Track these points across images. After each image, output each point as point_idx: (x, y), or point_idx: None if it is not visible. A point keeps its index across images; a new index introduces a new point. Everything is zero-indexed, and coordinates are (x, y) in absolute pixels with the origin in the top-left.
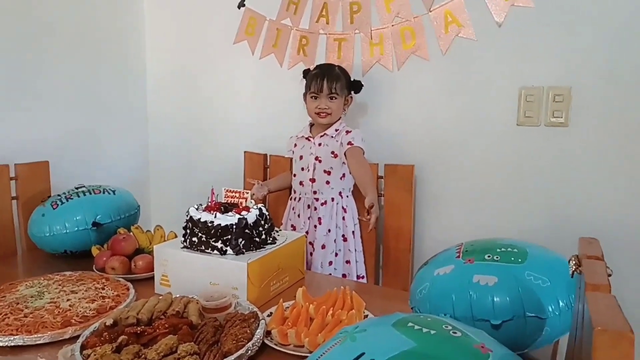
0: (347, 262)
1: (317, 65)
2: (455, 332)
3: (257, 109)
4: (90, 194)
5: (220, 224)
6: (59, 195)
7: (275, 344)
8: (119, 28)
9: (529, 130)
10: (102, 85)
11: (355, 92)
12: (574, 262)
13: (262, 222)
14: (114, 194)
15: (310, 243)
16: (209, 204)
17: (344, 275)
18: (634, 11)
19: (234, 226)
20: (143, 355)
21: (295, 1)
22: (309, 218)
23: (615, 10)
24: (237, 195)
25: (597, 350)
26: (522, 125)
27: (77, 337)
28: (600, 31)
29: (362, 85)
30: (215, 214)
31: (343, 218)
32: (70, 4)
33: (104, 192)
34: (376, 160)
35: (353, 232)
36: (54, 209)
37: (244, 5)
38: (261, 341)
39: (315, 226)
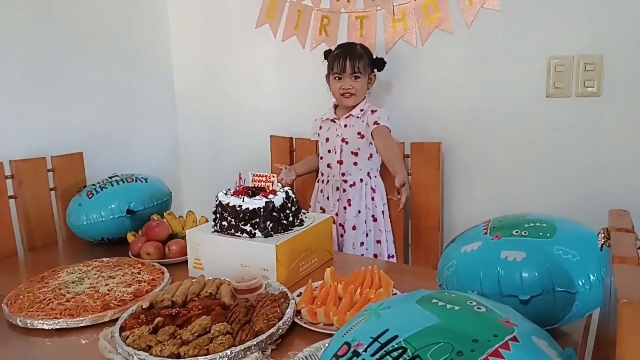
0: (378, 242)
1: (338, 45)
2: (479, 308)
3: (281, 93)
4: (124, 182)
5: (248, 208)
6: (93, 184)
7: (305, 323)
8: (143, 21)
9: (559, 101)
10: (132, 79)
11: (379, 70)
12: (602, 235)
13: (289, 205)
14: (146, 182)
15: (341, 225)
16: (237, 188)
17: (374, 256)
18: None
19: (262, 209)
20: (178, 336)
21: None
22: (338, 200)
23: None
24: (264, 179)
25: (622, 323)
26: (552, 96)
27: (116, 319)
28: None
29: (385, 63)
30: (243, 198)
31: (372, 198)
32: (97, 2)
33: (136, 181)
34: (403, 139)
35: (383, 212)
36: (89, 198)
37: None
38: (291, 320)
39: (345, 208)
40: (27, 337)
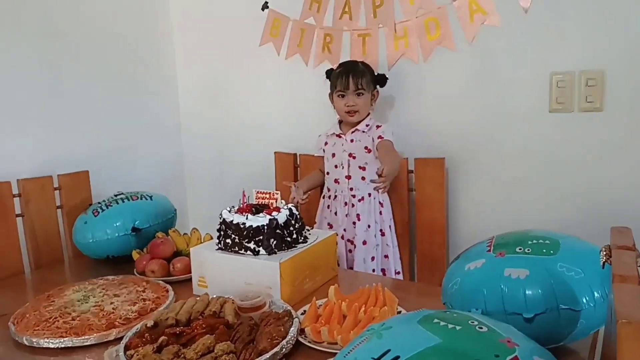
0: (385, 256)
1: (340, 64)
2: (481, 327)
3: (285, 110)
4: (129, 200)
5: (252, 225)
6: (99, 203)
7: (309, 342)
8: (148, 38)
9: (561, 117)
10: (137, 96)
11: (381, 86)
12: (604, 252)
13: (293, 222)
14: (151, 199)
15: (350, 240)
16: (241, 205)
17: (382, 271)
18: None
19: (265, 227)
20: (182, 355)
21: (318, 0)
22: (346, 215)
23: None
24: (268, 196)
25: (621, 342)
26: (555, 112)
27: (121, 338)
28: (632, 9)
29: (387, 78)
30: (247, 215)
31: (380, 213)
32: (104, 19)
33: (141, 198)
34: (406, 154)
35: (390, 226)
36: (95, 216)
37: (267, 7)
38: (295, 339)
39: (354, 223)
40: (33, 356)
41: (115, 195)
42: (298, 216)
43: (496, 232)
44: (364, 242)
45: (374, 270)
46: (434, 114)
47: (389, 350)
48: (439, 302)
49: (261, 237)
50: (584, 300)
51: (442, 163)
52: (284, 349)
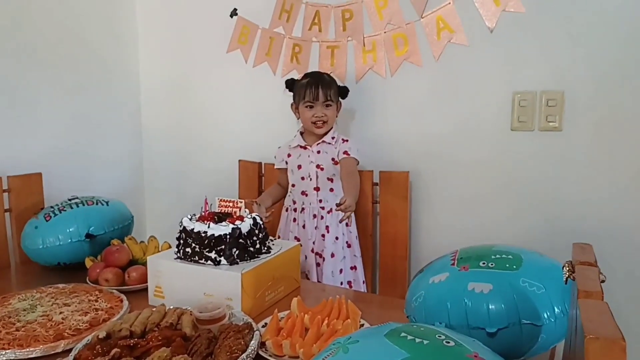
0: (352, 268)
1: (306, 74)
2: (448, 342)
3: (250, 118)
4: (84, 205)
5: (213, 234)
6: (52, 207)
7: (270, 355)
8: (111, 39)
9: (523, 135)
10: (95, 96)
11: (342, 98)
12: (567, 268)
13: (257, 232)
14: (108, 205)
15: (318, 254)
16: (203, 213)
17: (349, 283)
18: (626, 15)
19: (228, 236)
20: None
21: (288, 9)
22: (315, 228)
23: (607, 14)
24: (231, 204)
25: (589, 358)
26: (516, 130)
27: (70, 350)
28: (593, 35)
29: (348, 91)
30: (209, 224)
31: (347, 224)
32: (63, 16)
33: (97, 204)
34: (371, 167)
35: (356, 236)
36: (47, 221)
37: (236, 14)
38: (255, 352)
39: (323, 235)
40: None
41: (70, 200)
42: (262, 226)
43: (457, 247)
44: (332, 255)
45: (341, 283)
46: (399, 128)
47: None
48: (401, 314)
49: (223, 247)
50: (545, 315)
51: (406, 177)
52: None
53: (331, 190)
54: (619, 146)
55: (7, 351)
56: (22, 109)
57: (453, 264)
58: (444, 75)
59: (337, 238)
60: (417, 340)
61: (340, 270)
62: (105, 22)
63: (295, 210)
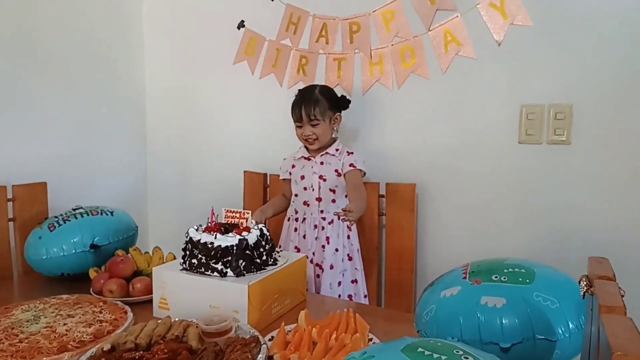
0: (353, 281)
1: (298, 91)
2: (466, 357)
3: (256, 129)
4: (88, 215)
5: (220, 245)
6: (56, 217)
7: None
8: (117, 47)
9: (530, 148)
10: (101, 106)
11: (343, 109)
12: (584, 282)
13: (263, 243)
14: (112, 215)
15: (318, 265)
16: (209, 224)
17: (349, 297)
18: (633, 27)
19: (235, 247)
20: None
21: (295, 21)
22: (316, 238)
23: (615, 26)
24: (238, 215)
25: None
26: (524, 143)
27: None
28: (600, 48)
29: (349, 101)
30: (216, 234)
31: (348, 237)
32: (69, 24)
33: (101, 214)
34: (377, 179)
35: (358, 249)
36: (51, 231)
37: (243, 26)
38: None
39: (323, 246)
40: None
41: (74, 210)
42: (269, 237)
43: (465, 260)
44: (331, 267)
45: (339, 296)
46: (407, 140)
47: None
48: (409, 328)
49: (229, 258)
50: (560, 331)
51: (413, 189)
52: None
53: (333, 201)
54: (626, 160)
55: None
56: (26, 117)
57: (465, 278)
58: (452, 88)
59: (337, 250)
60: (435, 355)
61: (339, 283)
62: (111, 31)
63: (297, 220)
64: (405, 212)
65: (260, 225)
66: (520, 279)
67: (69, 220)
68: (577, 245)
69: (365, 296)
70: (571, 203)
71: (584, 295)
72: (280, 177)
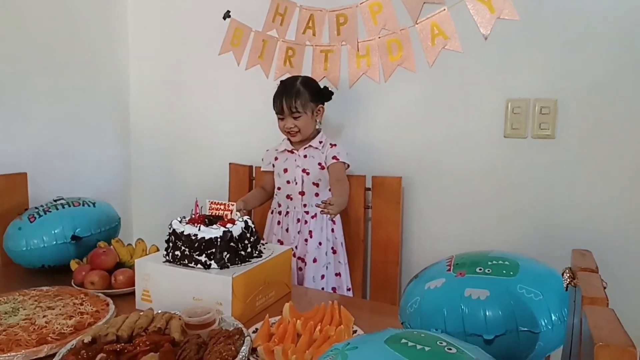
0: (337, 274)
1: (280, 82)
2: (450, 349)
3: (242, 121)
4: (70, 206)
5: (204, 237)
6: (36, 208)
7: None
8: (101, 38)
9: (516, 142)
10: (83, 96)
11: (326, 100)
12: (568, 274)
13: (248, 235)
14: (94, 206)
15: (301, 258)
16: (193, 216)
17: (333, 289)
18: (618, 23)
19: (219, 239)
20: None
21: (282, 12)
22: (298, 232)
23: (600, 22)
24: (222, 207)
25: None
26: (509, 137)
27: (54, 355)
28: (586, 43)
29: (332, 93)
30: (200, 226)
31: (332, 230)
32: (52, 15)
33: (83, 205)
34: (364, 172)
35: (342, 243)
36: (31, 222)
37: (229, 17)
38: (246, 358)
39: (306, 240)
40: None
41: (55, 200)
42: (254, 229)
43: (450, 253)
44: (314, 260)
45: (323, 289)
46: (393, 133)
47: None
48: (394, 320)
49: (214, 250)
50: (543, 323)
51: (399, 182)
52: None
53: (316, 195)
54: (611, 153)
55: None
56: (7, 108)
57: (449, 270)
58: (438, 81)
59: (320, 243)
60: (419, 346)
61: (322, 276)
62: (95, 21)
63: (280, 213)
64: (391, 205)
65: (245, 218)
66: (504, 271)
67: (50, 211)
68: (561, 239)
69: (348, 289)
70: (555, 196)
71: (567, 287)
72: (262, 169)
